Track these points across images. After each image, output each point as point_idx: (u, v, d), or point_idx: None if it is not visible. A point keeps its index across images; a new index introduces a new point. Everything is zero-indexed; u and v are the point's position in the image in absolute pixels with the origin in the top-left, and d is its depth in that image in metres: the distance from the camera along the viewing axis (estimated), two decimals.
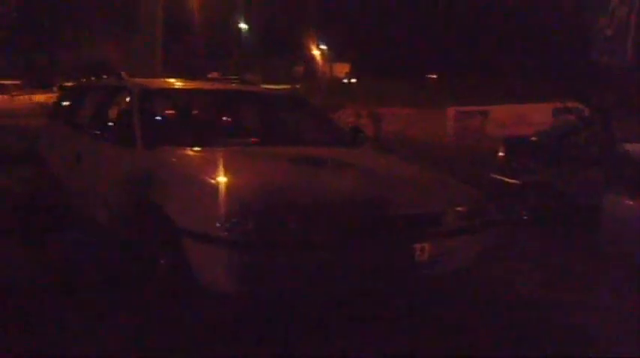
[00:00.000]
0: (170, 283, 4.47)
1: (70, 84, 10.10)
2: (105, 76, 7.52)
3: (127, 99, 6.00)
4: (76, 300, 4.73)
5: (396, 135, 17.68)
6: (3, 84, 33.08)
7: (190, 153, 5.26)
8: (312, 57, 52.30)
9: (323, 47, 51.41)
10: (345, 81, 50.64)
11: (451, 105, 21.75)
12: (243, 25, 46.78)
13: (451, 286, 5.18)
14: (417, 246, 4.48)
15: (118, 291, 4.90)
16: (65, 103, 7.99)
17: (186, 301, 4.42)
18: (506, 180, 7.86)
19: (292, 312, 4.50)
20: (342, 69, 53.50)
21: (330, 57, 51.45)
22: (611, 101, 8.11)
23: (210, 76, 20.35)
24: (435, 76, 42.36)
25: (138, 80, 6.70)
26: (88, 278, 5.33)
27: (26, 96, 31.50)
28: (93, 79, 7.97)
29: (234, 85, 7.95)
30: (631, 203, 6.36)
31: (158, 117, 6.22)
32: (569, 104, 10.09)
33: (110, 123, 6.08)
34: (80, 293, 4.87)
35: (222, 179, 4.49)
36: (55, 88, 24.13)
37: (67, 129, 7.26)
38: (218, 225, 4.04)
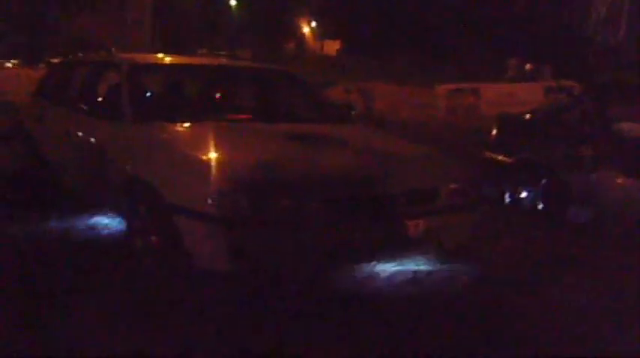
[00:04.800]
0: (161, 260, 4.42)
1: (56, 60, 9.94)
2: (96, 52, 7.42)
3: (116, 74, 5.92)
4: (63, 281, 4.66)
5: (387, 112, 17.60)
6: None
7: (180, 128, 5.20)
8: (303, 34, 52.11)
9: (313, 24, 51.22)
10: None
11: (441, 83, 21.68)
12: (232, 2, 46.50)
13: (445, 263, 5.17)
14: (411, 222, 4.45)
15: (108, 269, 4.84)
16: (52, 79, 7.87)
17: (177, 278, 4.37)
18: (500, 158, 7.82)
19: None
20: (332, 46, 53.26)
21: (321, 34, 51.25)
22: (605, 79, 8.06)
23: (199, 52, 20.24)
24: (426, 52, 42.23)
25: (127, 55, 6.63)
26: (76, 256, 5.25)
27: (13, 72, 31.22)
28: (80, 54, 7.87)
29: (223, 60, 7.88)
30: (622, 180, 6.36)
31: (147, 92, 6.14)
32: (563, 83, 10.05)
33: (99, 99, 6.00)
34: (68, 274, 4.79)
35: (213, 155, 4.43)
36: (41, 65, 23.94)
37: (54, 105, 7.16)
38: (210, 201, 3.99)
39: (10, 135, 8.47)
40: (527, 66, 23.63)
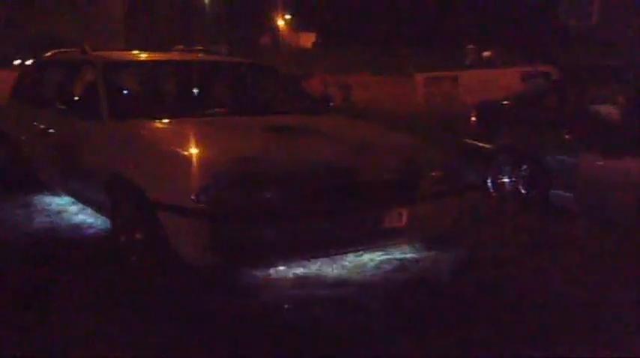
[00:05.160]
0: (147, 257, 4.39)
1: (29, 61, 9.80)
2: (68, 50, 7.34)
3: (91, 72, 5.86)
4: (49, 280, 4.61)
5: (365, 102, 17.61)
6: None
7: (159, 125, 5.17)
8: (277, 27, 51.97)
9: (288, 17, 51.10)
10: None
11: (418, 71, 21.74)
12: None
13: (430, 249, 5.18)
14: (395, 210, 4.45)
15: (94, 268, 4.81)
16: (27, 80, 7.77)
17: (163, 275, 4.35)
18: (480, 144, 7.85)
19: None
20: (308, 38, 53.17)
21: (296, 26, 51.15)
22: (581, 62, 8.11)
23: (175, 48, 20.10)
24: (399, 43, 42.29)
25: (101, 53, 6.55)
26: (60, 256, 5.20)
27: None
28: (51, 53, 7.76)
29: (200, 55, 7.84)
30: (602, 163, 6.39)
31: (124, 90, 6.08)
32: (539, 68, 10.09)
33: (75, 98, 5.94)
34: (54, 273, 4.74)
35: (193, 150, 4.39)
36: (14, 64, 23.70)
37: (30, 106, 7.08)
38: (192, 197, 3.97)
39: None
40: (485, 53, 23.74)
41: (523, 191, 7.17)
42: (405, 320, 4.08)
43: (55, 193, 6.20)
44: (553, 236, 5.94)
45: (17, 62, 25.79)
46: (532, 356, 3.73)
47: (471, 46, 25.72)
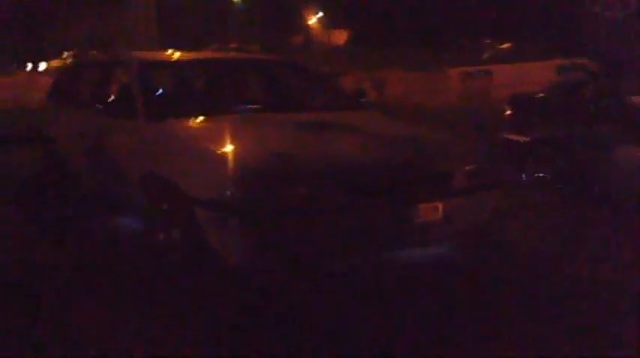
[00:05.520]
0: (184, 255, 4.43)
1: (69, 61, 9.93)
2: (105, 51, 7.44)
3: (126, 72, 5.94)
4: (88, 279, 4.69)
5: (399, 98, 17.54)
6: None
7: (195, 123, 5.21)
8: (310, 25, 51.94)
9: (320, 15, 51.05)
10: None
11: (453, 67, 21.56)
12: None
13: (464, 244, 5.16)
14: (429, 206, 4.43)
15: (132, 266, 4.88)
16: (65, 81, 7.89)
17: (201, 273, 4.38)
18: (515, 138, 7.77)
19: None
20: (340, 36, 53.04)
21: (328, 24, 51.07)
22: (618, 54, 8.00)
23: (212, 47, 20.20)
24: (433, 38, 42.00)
25: (136, 53, 6.64)
26: (99, 256, 5.27)
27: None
28: (91, 54, 7.88)
29: (232, 54, 7.90)
30: None
31: (159, 89, 6.15)
32: (576, 60, 9.97)
33: (111, 98, 6.01)
34: (93, 273, 4.82)
35: (229, 147, 4.42)
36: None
37: (68, 107, 7.19)
38: (228, 193, 3.99)
39: (29, 138, 8.50)
40: (504, 45, 23.38)
41: (559, 185, 7.10)
42: (440, 314, 4.07)
43: (94, 193, 6.27)
44: (589, 229, 5.86)
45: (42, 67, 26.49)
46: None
47: (487, 41, 25.39)
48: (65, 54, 31.02)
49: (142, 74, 5.78)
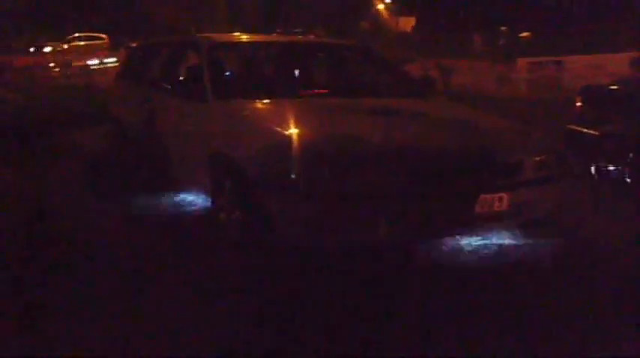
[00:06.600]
0: (246, 235, 4.47)
1: (134, 44, 10.10)
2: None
3: (196, 54, 6.00)
4: (152, 256, 4.80)
5: (466, 87, 17.34)
6: None
7: (261, 105, 5.24)
8: (377, 10, 51.71)
9: (388, 0, 50.76)
10: None
11: (521, 56, 21.24)
12: None
13: (530, 236, 5.09)
14: (496, 195, 4.37)
15: (194, 244, 4.96)
16: (134, 62, 8.05)
17: (263, 253, 4.43)
18: (584, 130, 7.59)
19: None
20: (407, 22, 52.64)
21: (396, 10, 50.75)
22: None
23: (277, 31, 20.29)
24: (505, 28, 41.32)
25: (206, 34, 6.71)
26: (162, 233, 5.38)
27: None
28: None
29: (300, 37, 7.91)
30: None
31: (228, 71, 6.21)
32: None
33: (181, 78, 6.11)
34: (156, 250, 4.93)
35: (296, 130, 4.42)
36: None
37: (136, 87, 7.32)
38: (293, 176, 4.02)
39: (98, 119, 8.75)
40: (524, 34, 22.84)
41: (628, 179, 6.91)
42: (502, 306, 4.04)
43: (160, 172, 6.39)
44: None
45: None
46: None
47: (503, 28, 24.94)
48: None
49: (211, 54, 5.84)
